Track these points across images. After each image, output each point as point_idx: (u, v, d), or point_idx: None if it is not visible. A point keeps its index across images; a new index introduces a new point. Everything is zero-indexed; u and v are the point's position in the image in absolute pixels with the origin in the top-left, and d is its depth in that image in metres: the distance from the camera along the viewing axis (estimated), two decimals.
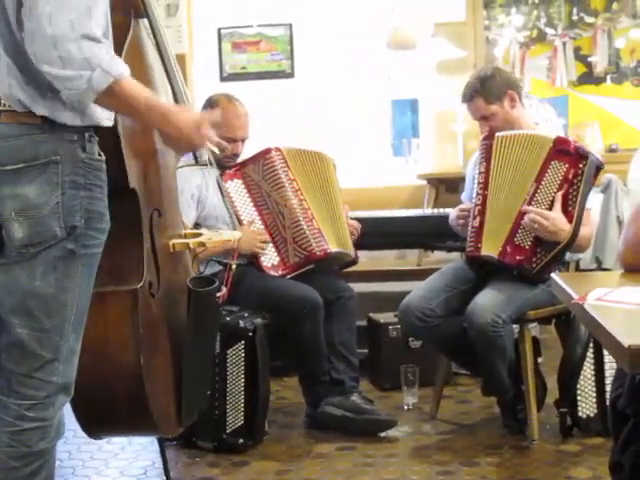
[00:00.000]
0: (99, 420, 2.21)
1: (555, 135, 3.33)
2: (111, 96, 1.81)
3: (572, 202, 3.20)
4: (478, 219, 3.36)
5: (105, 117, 1.93)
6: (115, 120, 2.00)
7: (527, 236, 3.24)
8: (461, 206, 3.55)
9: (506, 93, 3.43)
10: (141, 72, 2.22)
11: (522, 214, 3.24)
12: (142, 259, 2.14)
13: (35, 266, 1.83)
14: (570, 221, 3.18)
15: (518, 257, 3.25)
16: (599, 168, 3.25)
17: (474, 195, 3.41)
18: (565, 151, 3.22)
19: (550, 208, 3.21)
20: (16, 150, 1.80)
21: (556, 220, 3.17)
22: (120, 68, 1.82)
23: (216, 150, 2.31)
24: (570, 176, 3.19)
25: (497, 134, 3.38)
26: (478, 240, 3.35)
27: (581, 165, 3.19)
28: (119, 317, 2.12)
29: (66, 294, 1.86)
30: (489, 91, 3.42)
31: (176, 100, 2.41)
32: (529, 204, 3.24)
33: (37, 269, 1.83)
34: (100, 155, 1.92)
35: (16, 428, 1.85)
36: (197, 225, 3.41)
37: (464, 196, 3.68)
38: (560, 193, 3.20)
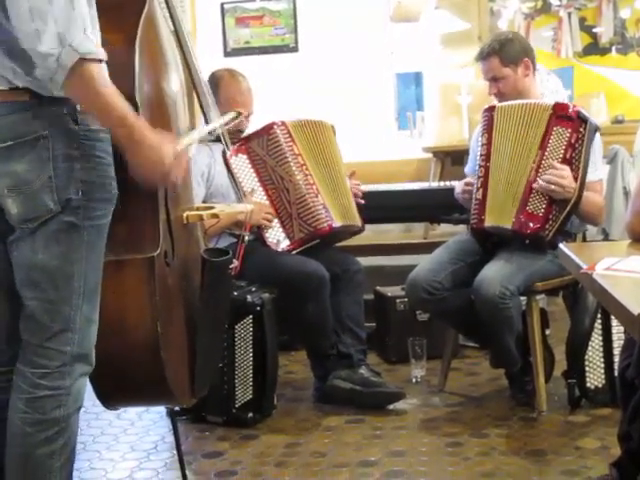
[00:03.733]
0: (116, 389, 2.21)
1: (552, 102, 3.33)
2: (76, 77, 1.72)
3: (576, 165, 3.20)
4: (481, 191, 3.36)
5: None
6: (133, 90, 1.98)
7: (540, 202, 3.22)
8: (466, 180, 3.53)
9: (522, 60, 3.45)
10: (155, 47, 2.22)
11: (532, 182, 3.22)
12: (158, 229, 2.15)
13: (36, 240, 1.85)
14: (575, 181, 3.19)
15: (533, 225, 3.23)
16: (597, 130, 3.26)
17: (477, 168, 3.41)
18: (566, 116, 3.22)
19: None
20: (6, 128, 1.81)
21: (570, 178, 3.17)
22: (89, 46, 1.73)
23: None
24: (573, 140, 3.20)
25: (497, 105, 3.38)
26: (482, 212, 3.35)
27: (581, 129, 3.20)
28: (136, 285, 2.12)
29: (72, 266, 1.88)
30: (506, 53, 3.44)
31: (190, 75, 2.40)
32: (536, 172, 3.22)
33: (38, 243, 1.85)
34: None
35: (30, 395, 1.90)
36: (204, 202, 3.41)
37: (468, 169, 3.67)
38: (565, 157, 3.20)
